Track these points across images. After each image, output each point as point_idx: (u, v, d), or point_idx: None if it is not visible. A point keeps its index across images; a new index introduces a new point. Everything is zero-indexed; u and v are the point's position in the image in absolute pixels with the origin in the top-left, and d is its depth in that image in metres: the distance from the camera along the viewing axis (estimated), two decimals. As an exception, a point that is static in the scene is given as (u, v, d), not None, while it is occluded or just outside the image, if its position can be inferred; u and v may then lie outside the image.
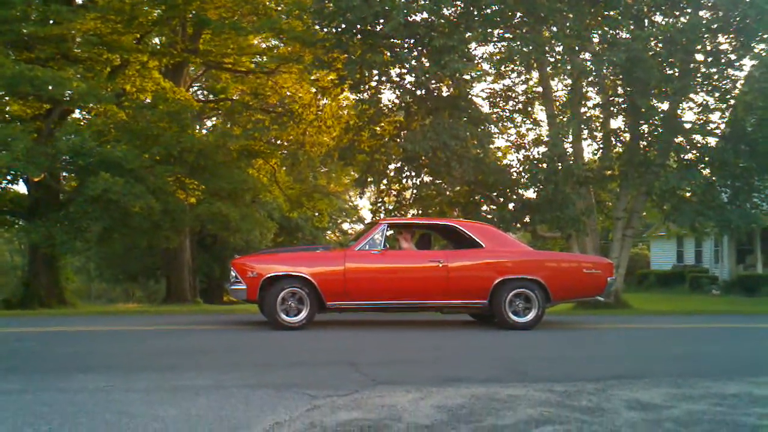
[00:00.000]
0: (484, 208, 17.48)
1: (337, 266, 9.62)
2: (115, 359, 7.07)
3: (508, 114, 18.40)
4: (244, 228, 20.71)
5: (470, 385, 5.60)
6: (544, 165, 16.41)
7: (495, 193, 17.05)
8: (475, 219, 16.61)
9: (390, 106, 17.74)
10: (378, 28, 15.64)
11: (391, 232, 10.75)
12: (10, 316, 14.14)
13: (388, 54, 16.06)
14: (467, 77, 16.77)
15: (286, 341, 8.58)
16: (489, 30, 16.59)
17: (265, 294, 9.44)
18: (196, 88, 28.62)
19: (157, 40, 24.11)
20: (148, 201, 16.54)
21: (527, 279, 9.87)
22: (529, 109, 18.49)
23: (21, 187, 21.40)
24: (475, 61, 16.77)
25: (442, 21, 15.91)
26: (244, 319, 11.56)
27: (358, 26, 15.99)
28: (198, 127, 27.62)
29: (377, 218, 15.96)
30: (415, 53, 16.31)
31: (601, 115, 17.46)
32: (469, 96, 17.05)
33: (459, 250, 10.52)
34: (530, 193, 17.07)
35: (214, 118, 29.62)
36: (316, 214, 31.64)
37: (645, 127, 16.54)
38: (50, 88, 16.19)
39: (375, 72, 16.43)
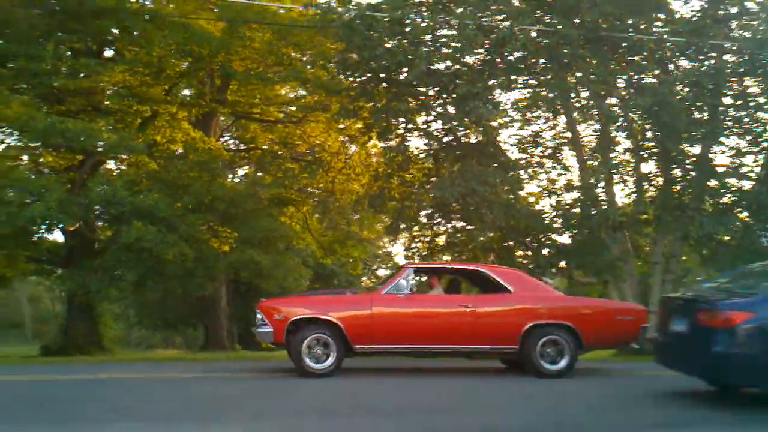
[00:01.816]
0: (519, 253, 17.36)
1: (364, 310, 9.60)
2: (151, 408, 7.08)
3: (537, 160, 18.33)
4: (276, 275, 20.82)
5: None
6: (577, 210, 16.34)
7: (529, 239, 16.96)
8: (510, 264, 16.56)
9: (418, 154, 17.83)
10: (402, 76, 15.78)
11: (424, 277, 10.74)
12: (47, 363, 14.26)
13: (413, 102, 16.21)
14: (494, 123, 16.83)
15: (324, 389, 8.57)
16: (513, 77, 16.67)
17: (291, 338, 9.44)
18: (227, 138, 29.01)
19: (186, 92, 24.53)
20: (181, 248, 16.74)
21: (558, 325, 9.76)
22: (558, 155, 18.40)
23: (58, 236, 21.81)
24: (501, 108, 16.81)
25: (466, 69, 16.02)
26: (278, 366, 11.54)
27: (382, 75, 16.16)
28: (230, 176, 28.00)
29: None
30: (440, 101, 16.44)
31: (632, 160, 17.37)
32: (497, 142, 17.06)
33: (488, 295, 10.49)
34: (564, 239, 16.97)
35: (246, 167, 29.95)
36: (351, 260, 31.70)
37: (677, 171, 16.42)
38: (81, 139, 16.49)
39: (401, 120, 16.55)
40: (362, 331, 9.48)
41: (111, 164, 22.73)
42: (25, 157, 20.12)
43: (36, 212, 15.58)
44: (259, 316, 9.68)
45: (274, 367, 11.42)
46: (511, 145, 18.09)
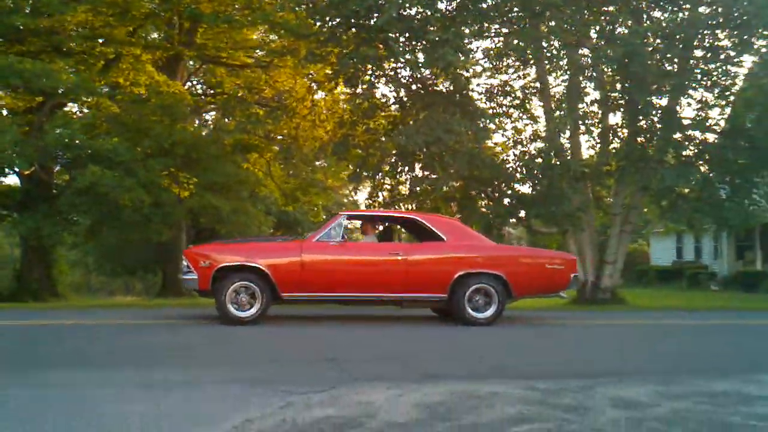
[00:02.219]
0: (480, 203, 17.27)
1: (293, 257, 9.38)
2: (93, 355, 6.91)
3: (505, 110, 18.16)
4: (236, 221, 20.49)
5: (450, 381, 5.46)
6: (540, 160, 16.25)
7: (490, 189, 16.85)
8: (472, 214, 16.52)
9: (384, 101, 17.55)
10: (372, 21, 15.42)
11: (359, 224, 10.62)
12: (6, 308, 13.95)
13: (382, 48, 15.87)
14: (464, 72, 16.61)
15: (266, 336, 8.48)
16: (485, 25, 16.43)
17: (217, 285, 9.18)
18: (194, 82, 28.42)
19: (155, 35, 23.91)
20: (138, 194, 16.35)
21: (488, 274, 9.71)
22: (527, 104, 18.25)
23: (15, 180, 21.29)
24: (471, 56, 16.56)
25: (437, 15, 15.70)
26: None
27: (352, 20, 15.78)
28: (197, 121, 27.48)
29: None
30: (410, 47, 16.13)
31: (599, 111, 17.26)
32: (466, 91, 16.81)
33: (421, 243, 10.34)
34: (526, 189, 16.90)
35: (213, 113, 29.45)
36: (314, 208, 31.49)
37: (643, 123, 16.32)
38: (41, 80, 15.97)
39: (369, 66, 16.22)
40: (291, 278, 9.25)
41: (72, 107, 22.15)
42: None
43: (-12, 154, 15.11)
44: (184, 263, 9.38)
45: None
46: (480, 94, 17.89)
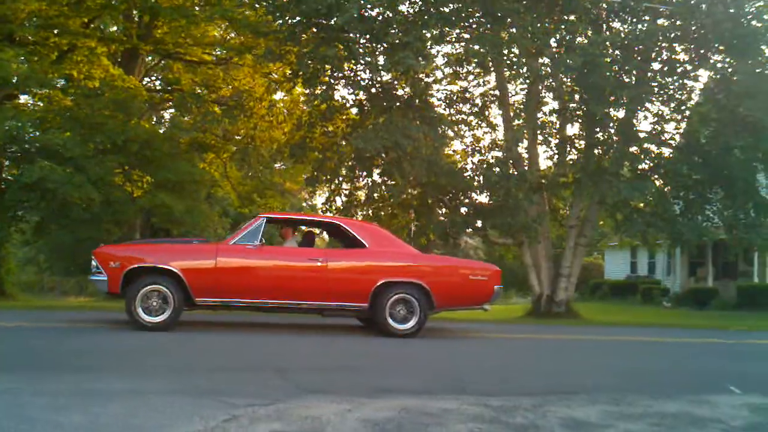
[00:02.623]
0: (439, 211, 17.21)
1: (208, 260, 9.01)
2: (32, 358, 6.66)
3: (464, 117, 18.14)
4: (189, 221, 20.10)
5: (402, 396, 5.33)
6: (498, 169, 16.23)
7: (448, 197, 16.79)
8: (428, 223, 16.43)
9: (343, 103, 17.40)
10: (332, 21, 15.26)
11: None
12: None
13: (342, 48, 15.73)
14: (424, 77, 16.55)
15: (213, 344, 8.27)
16: (446, 29, 16.37)
17: (127, 288, 8.79)
18: (153, 78, 27.94)
19: (115, 28, 23.41)
20: (88, 191, 15.89)
21: (409, 283, 9.44)
22: (486, 112, 18.26)
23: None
24: (431, 61, 16.50)
25: (399, 17, 15.59)
26: (199, 318, 11.10)
27: (312, 18, 15.61)
28: (154, 118, 26.98)
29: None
30: (370, 49, 16.01)
31: (558, 122, 17.33)
32: (425, 96, 16.72)
33: (341, 249, 10.16)
34: (483, 198, 16.88)
35: (170, 111, 28.97)
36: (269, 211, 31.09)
37: (600, 135, 16.43)
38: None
39: (328, 67, 16.04)
40: (205, 282, 8.89)
41: (23, 99, 21.54)
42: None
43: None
44: (93, 263, 8.99)
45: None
46: (439, 100, 17.86)
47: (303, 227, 11.34)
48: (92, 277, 9.09)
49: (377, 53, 16.09)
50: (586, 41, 15.63)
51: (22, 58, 17.66)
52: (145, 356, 7.12)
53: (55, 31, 19.55)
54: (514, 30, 15.90)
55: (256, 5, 17.34)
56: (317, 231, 11.83)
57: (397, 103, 16.24)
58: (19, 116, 16.98)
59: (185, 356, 7.26)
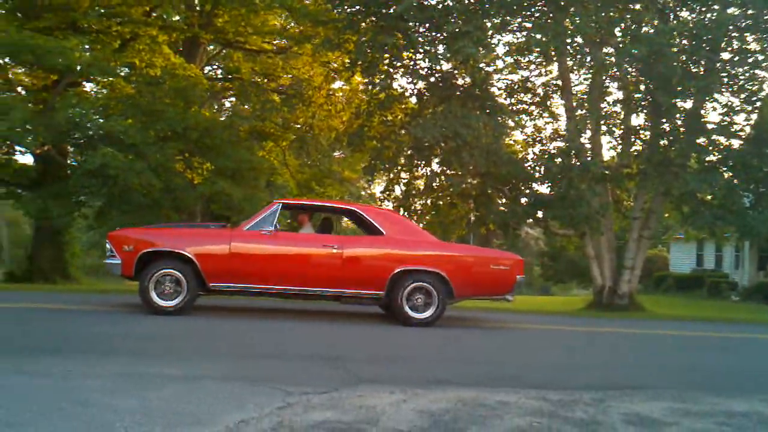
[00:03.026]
0: (499, 201, 17.03)
1: (222, 245, 8.98)
2: (88, 342, 6.69)
3: (525, 106, 17.91)
4: (248, 208, 20.20)
5: (458, 387, 5.22)
6: (560, 160, 15.97)
7: (508, 187, 16.58)
8: (488, 214, 16.25)
9: (402, 92, 17.29)
10: (391, 10, 15.17)
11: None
12: (5, 290, 13.79)
13: (401, 37, 15.61)
14: (484, 66, 16.37)
15: (261, 331, 8.21)
16: (507, 18, 16.15)
17: (141, 272, 8.82)
18: (214, 67, 28.23)
19: (177, 17, 23.70)
20: (148, 178, 16.11)
21: (428, 271, 9.24)
22: (548, 102, 18.00)
23: (29, 159, 21.07)
24: (491, 50, 16.29)
25: (459, 6, 15.43)
26: (239, 304, 11.15)
27: (372, 7, 15.55)
28: (215, 106, 27.25)
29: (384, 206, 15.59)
30: (429, 38, 15.88)
31: (622, 112, 16.95)
32: (485, 86, 16.52)
33: (358, 236, 10.02)
34: (544, 189, 16.63)
35: (232, 99, 29.23)
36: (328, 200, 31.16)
37: (666, 126, 16.00)
38: (55, 58, 15.74)
39: (387, 56, 15.97)
40: (219, 267, 8.90)
41: (87, 86, 21.95)
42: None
43: (-2, 131, 14.84)
44: (108, 247, 9.03)
45: (236, 305, 11.06)
46: (500, 90, 17.63)
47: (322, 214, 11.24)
48: (107, 260, 9.09)
49: (436, 42, 15.98)
50: (652, 31, 15.22)
51: (86, 46, 17.98)
52: (195, 341, 7.13)
53: (118, 20, 19.83)
54: (578, 19, 15.55)
55: (315, -7, 17.37)
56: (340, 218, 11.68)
57: (457, 93, 16.07)
58: (82, 103, 17.31)
59: (234, 343, 7.22)
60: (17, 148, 17.77)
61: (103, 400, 4.28)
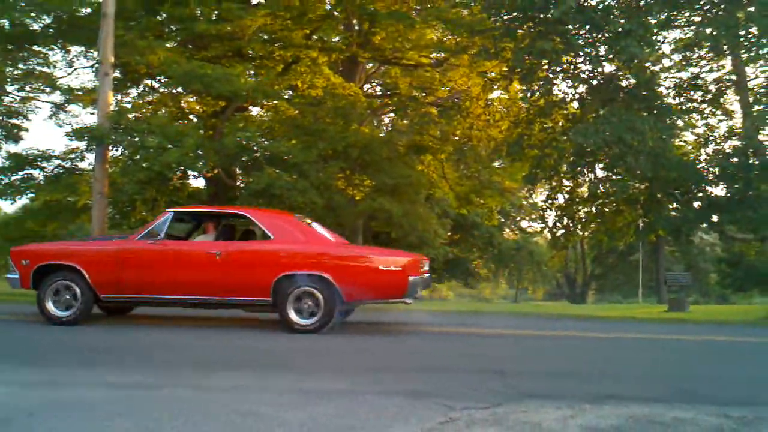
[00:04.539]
0: (669, 206, 16.26)
1: (110, 256, 8.92)
2: (255, 357, 6.85)
3: (695, 105, 17.02)
4: (406, 224, 20.31)
5: (628, 403, 4.86)
6: (736, 159, 15.03)
7: (678, 191, 15.79)
8: (657, 219, 15.57)
9: (562, 97, 16.88)
10: (549, 14, 14.85)
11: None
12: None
13: (560, 41, 15.24)
14: (650, 65, 15.70)
15: (417, 346, 8.05)
16: (674, 13, 15.43)
17: (39, 285, 8.93)
18: (373, 84, 28.77)
19: (336, 39, 24.39)
20: (311, 196, 16.54)
21: (313, 275, 8.65)
22: (721, 99, 17.01)
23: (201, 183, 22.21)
24: (657, 48, 15.59)
25: (620, 4, 14.89)
26: (389, 318, 11.12)
27: (528, 13, 15.31)
28: (375, 123, 27.69)
29: (546, 215, 15.18)
30: (590, 40, 15.41)
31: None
32: (651, 86, 15.84)
33: (246, 242, 9.49)
34: (719, 191, 15.72)
35: (390, 115, 29.65)
36: (487, 211, 30.86)
37: None
38: (221, 85, 16.52)
39: (545, 61, 15.64)
40: (108, 278, 8.79)
41: (252, 110, 22.92)
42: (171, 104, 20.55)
43: (172, 158, 15.75)
44: (10, 263, 9.25)
45: (387, 320, 11.05)
46: (667, 89, 16.84)
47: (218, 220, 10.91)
48: (7, 275, 9.37)
49: (597, 43, 15.50)
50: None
51: (251, 72, 18.75)
52: (350, 357, 7.10)
53: (280, 45, 20.56)
54: (752, 9, 14.56)
55: (472, 3, 17.27)
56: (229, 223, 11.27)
57: (621, 95, 15.50)
58: (248, 127, 18.07)
59: (387, 357, 7.16)
60: (189, 172, 18.71)
61: (273, 412, 4.37)
